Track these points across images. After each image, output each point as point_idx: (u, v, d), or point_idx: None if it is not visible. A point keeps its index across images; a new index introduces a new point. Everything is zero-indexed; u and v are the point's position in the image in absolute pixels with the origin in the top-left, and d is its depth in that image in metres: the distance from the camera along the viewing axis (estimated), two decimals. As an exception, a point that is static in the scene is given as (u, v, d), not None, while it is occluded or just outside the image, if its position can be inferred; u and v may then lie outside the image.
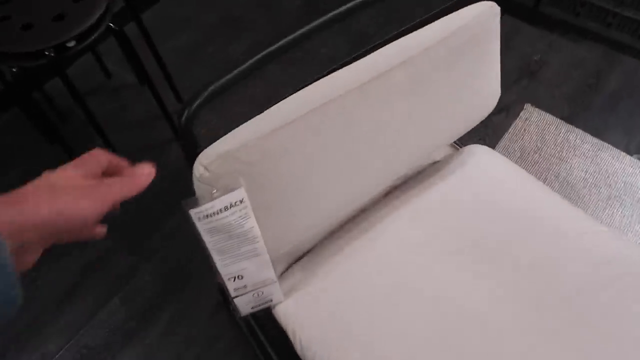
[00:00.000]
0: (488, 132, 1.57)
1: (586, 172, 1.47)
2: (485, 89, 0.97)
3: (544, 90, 1.66)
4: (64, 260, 1.39)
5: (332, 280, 0.91)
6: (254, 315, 0.90)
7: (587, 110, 1.61)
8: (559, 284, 0.86)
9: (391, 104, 0.82)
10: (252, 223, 0.74)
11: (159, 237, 1.42)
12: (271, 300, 0.88)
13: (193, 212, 0.69)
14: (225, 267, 0.77)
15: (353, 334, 0.85)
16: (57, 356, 1.24)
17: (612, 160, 1.49)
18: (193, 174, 0.72)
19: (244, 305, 0.86)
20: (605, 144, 1.52)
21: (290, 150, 0.75)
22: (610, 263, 0.87)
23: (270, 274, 0.83)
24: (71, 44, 1.15)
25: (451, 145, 1.13)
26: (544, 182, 1.45)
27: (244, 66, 0.74)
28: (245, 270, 0.80)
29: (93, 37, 1.18)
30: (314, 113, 0.74)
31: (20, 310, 0.36)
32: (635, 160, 1.48)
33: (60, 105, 1.70)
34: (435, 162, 1.09)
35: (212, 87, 0.72)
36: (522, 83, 1.69)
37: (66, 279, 1.37)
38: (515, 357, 0.80)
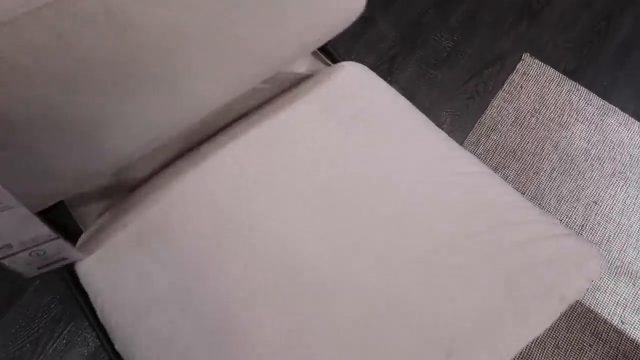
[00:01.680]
0: (479, 88, 1.30)
1: (589, 142, 1.25)
2: None
3: (546, 37, 1.39)
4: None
5: (145, 230, 0.68)
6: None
7: (593, 63, 1.36)
8: (417, 236, 0.66)
9: None
10: None
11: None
12: (65, 259, 0.69)
13: None
14: None
15: (164, 298, 0.64)
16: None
17: (618, 127, 1.27)
18: None
19: (24, 266, 0.67)
20: (612, 107, 1.29)
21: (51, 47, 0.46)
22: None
23: (42, 229, 0.62)
24: None
25: (322, 61, 0.88)
26: (541, 153, 1.24)
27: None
28: None
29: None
30: None
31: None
32: (644, 127, 1.28)
33: None
34: (299, 80, 0.84)
35: None
36: (520, 26, 1.40)
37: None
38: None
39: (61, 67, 0.48)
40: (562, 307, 0.60)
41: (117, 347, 0.65)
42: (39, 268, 0.68)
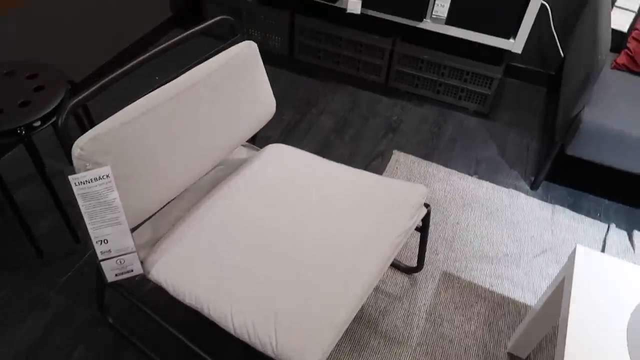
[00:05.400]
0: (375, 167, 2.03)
1: (445, 191, 1.99)
2: (261, 101, 1.39)
3: (404, 140, 2.22)
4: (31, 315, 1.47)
5: (186, 241, 1.20)
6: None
7: (436, 150, 2.18)
8: (331, 207, 1.30)
9: (196, 109, 1.19)
10: (115, 195, 0.98)
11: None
12: (132, 271, 1.08)
13: (71, 178, 0.93)
14: (94, 230, 0.99)
15: (213, 270, 1.14)
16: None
17: (460, 181, 2.04)
18: (72, 154, 0.95)
19: (109, 271, 1.04)
20: (453, 171, 2.08)
21: (140, 136, 1.05)
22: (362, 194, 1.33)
23: (130, 243, 1.03)
24: (37, 123, 1.37)
25: (254, 149, 1.57)
26: (418, 202, 1.93)
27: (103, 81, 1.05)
28: (110, 236, 1.00)
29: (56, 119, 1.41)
30: (153, 111, 1.09)
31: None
32: (475, 179, 2.05)
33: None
34: (243, 161, 1.49)
35: (74, 101, 1.00)
36: (388, 136, 2.23)
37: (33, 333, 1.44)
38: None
39: (155, 137, 1.10)
40: (413, 211, 1.25)
41: (187, 301, 1.12)
42: (116, 275, 1.07)
